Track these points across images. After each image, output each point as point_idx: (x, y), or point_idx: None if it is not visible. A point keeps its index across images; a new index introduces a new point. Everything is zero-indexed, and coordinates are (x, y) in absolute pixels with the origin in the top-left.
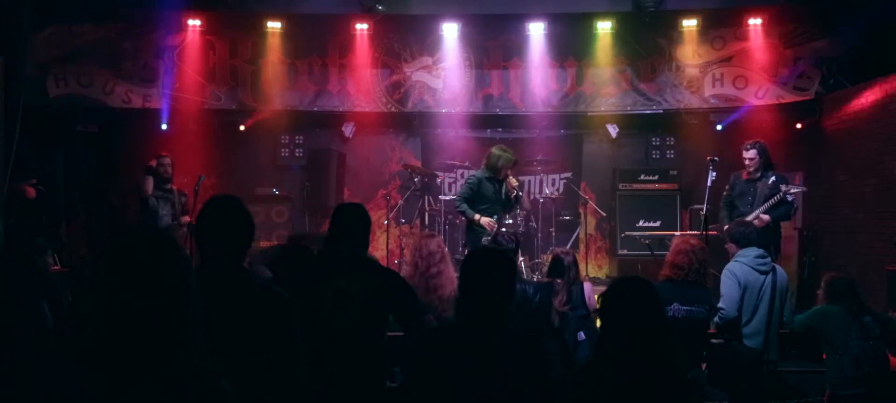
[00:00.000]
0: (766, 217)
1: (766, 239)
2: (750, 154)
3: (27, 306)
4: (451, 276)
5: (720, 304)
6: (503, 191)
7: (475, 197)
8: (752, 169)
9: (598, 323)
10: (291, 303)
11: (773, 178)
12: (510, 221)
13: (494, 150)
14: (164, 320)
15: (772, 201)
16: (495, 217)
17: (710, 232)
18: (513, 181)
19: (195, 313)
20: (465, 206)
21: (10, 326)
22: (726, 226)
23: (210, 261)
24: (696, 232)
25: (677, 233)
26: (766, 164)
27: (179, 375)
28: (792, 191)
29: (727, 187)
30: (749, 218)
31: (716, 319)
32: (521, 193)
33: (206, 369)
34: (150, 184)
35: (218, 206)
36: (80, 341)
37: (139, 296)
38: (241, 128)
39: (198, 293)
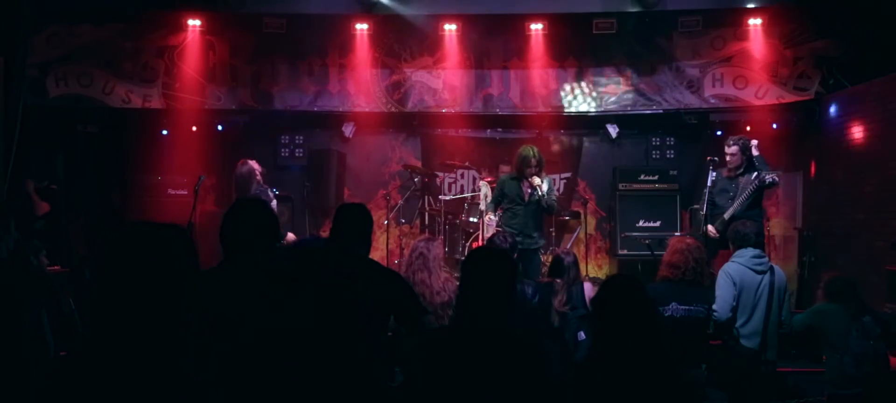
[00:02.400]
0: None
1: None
2: (731, 150)
3: (29, 312)
4: (434, 279)
5: (714, 306)
6: (525, 191)
7: (502, 196)
8: (733, 165)
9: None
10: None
11: (754, 174)
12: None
13: (520, 148)
14: (157, 319)
15: (747, 193)
16: (494, 217)
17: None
18: (534, 180)
19: (191, 314)
20: (491, 207)
21: (11, 331)
22: (709, 227)
23: (238, 258)
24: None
25: (677, 233)
26: (749, 162)
27: (170, 375)
28: (767, 180)
29: (710, 184)
30: (728, 213)
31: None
32: (539, 193)
33: (196, 370)
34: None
35: (246, 207)
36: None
37: (133, 293)
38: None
39: (195, 294)
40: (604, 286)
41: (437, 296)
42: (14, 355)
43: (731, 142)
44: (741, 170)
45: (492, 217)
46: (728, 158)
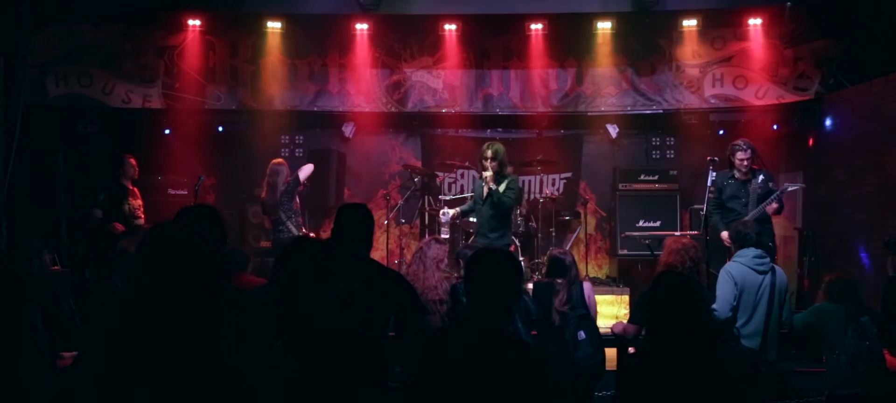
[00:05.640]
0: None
1: (768, 238)
2: (747, 154)
3: (23, 315)
4: (429, 275)
5: (714, 305)
6: (484, 187)
7: (476, 198)
8: (744, 169)
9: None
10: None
11: (761, 177)
12: (446, 213)
13: None
14: (194, 314)
15: (772, 199)
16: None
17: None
18: (484, 174)
19: (224, 310)
20: (467, 207)
21: (6, 332)
22: (724, 234)
23: None
24: (694, 233)
25: (676, 233)
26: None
27: (207, 370)
28: (790, 188)
29: (713, 189)
30: (748, 218)
31: None
32: (492, 187)
33: (233, 365)
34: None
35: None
36: (90, 339)
37: (171, 290)
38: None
39: (228, 291)
40: (659, 284)
41: (430, 292)
42: (10, 356)
43: (744, 146)
44: (750, 173)
45: (446, 210)
46: (744, 162)
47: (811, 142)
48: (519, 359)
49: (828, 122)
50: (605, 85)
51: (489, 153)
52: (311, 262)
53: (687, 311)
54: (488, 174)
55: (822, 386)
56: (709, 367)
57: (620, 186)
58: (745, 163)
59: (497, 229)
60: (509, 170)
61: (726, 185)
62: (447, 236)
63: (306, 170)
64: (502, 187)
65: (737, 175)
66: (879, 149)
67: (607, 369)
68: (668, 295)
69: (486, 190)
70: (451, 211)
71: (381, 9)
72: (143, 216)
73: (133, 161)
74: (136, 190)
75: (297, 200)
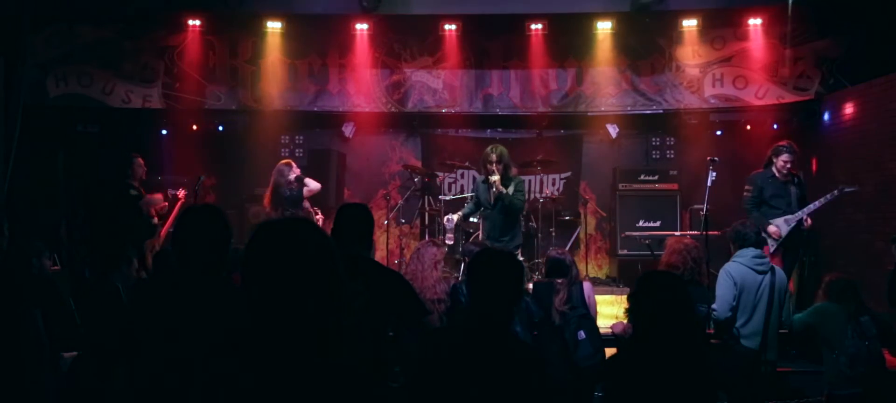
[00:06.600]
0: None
1: (801, 242)
2: (792, 158)
3: (22, 313)
4: (427, 276)
5: (713, 305)
6: (492, 194)
7: (477, 201)
8: (785, 171)
9: (625, 318)
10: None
11: (797, 180)
12: (450, 219)
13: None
14: (314, 311)
15: (827, 198)
16: (450, 216)
17: (711, 233)
18: (491, 178)
19: (345, 306)
20: (469, 209)
21: (7, 332)
22: (772, 226)
23: (189, 269)
24: (695, 233)
25: (676, 233)
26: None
27: (328, 367)
28: (846, 189)
29: (751, 188)
30: (793, 218)
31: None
32: (502, 191)
33: (353, 363)
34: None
35: (197, 216)
36: (95, 337)
37: (291, 286)
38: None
39: (347, 288)
40: (641, 284)
41: (428, 292)
42: (10, 356)
43: (791, 150)
44: (789, 176)
45: (451, 216)
46: (789, 164)
47: (811, 142)
48: (517, 360)
49: (828, 122)
50: (605, 85)
51: (494, 156)
52: None
53: (669, 311)
54: (496, 178)
55: (822, 386)
56: (693, 365)
57: (620, 186)
58: (789, 166)
59: (508, 232)
60: (513, 170)
61: (767, 184)
62: (452, 242)
63: (312, 188)
64: (510, 189)
65: (777, 175)
66: (879, 149)
67: None
68: (650, 294)
69: (494, 193)
70: (455, 217)
71: (381, 9)
72: (156, 216)
73: (141, 160)
74: (143, 190)
75: (307, 204)
